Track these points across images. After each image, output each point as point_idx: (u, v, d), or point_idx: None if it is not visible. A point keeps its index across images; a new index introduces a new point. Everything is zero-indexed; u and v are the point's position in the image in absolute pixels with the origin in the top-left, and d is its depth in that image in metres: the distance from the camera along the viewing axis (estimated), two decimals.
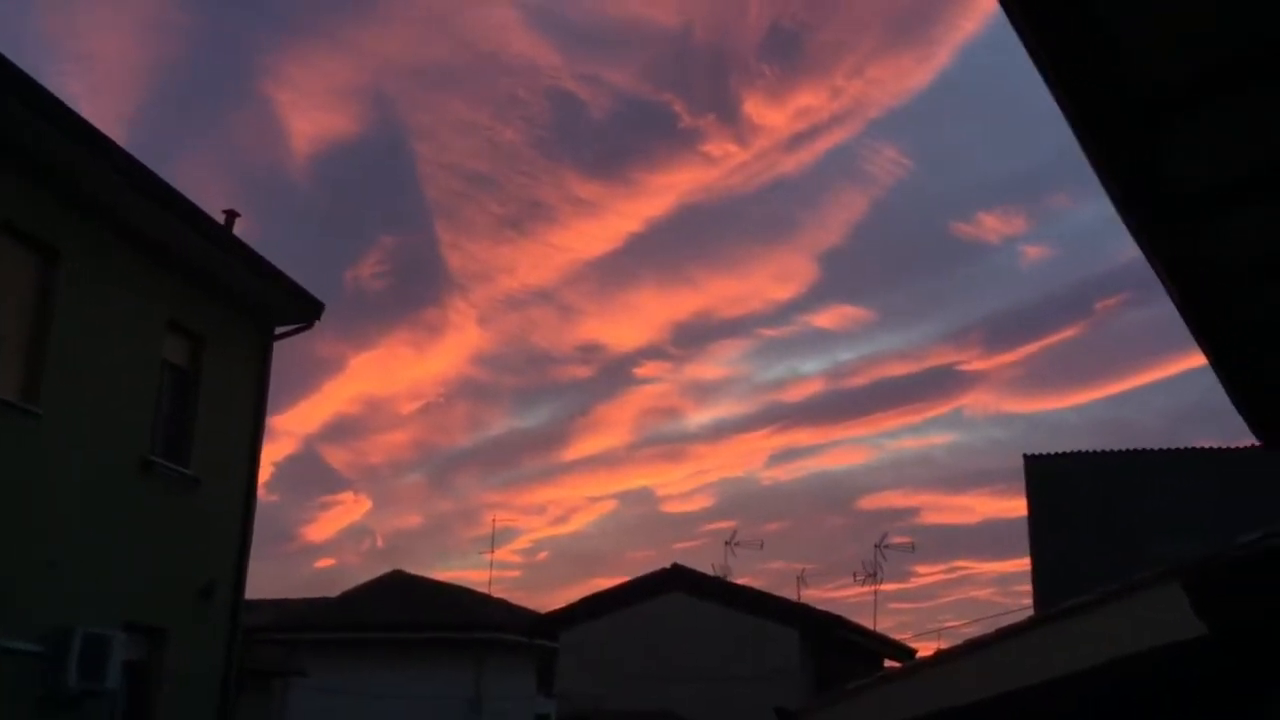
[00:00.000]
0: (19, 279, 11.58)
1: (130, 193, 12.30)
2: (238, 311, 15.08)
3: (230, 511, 14.83)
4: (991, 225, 46.09)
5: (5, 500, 11.10)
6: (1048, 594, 20.33)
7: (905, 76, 43.09)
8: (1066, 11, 2.76)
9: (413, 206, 46.18)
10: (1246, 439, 7.28)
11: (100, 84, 39.92)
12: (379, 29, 39.92)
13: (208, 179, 47.83)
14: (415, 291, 49.40)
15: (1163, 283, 3.94)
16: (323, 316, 15.87)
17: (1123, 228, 3.60)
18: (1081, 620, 7.73)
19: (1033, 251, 47.27)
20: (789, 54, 43.14)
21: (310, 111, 41.70)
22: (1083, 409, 46.85)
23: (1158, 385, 47.77)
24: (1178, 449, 22.86)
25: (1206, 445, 22.55)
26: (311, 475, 47.35)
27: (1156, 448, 22.99)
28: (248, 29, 41.01)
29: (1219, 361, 4.68)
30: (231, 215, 14.81)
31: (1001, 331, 48.27)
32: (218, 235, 13.97)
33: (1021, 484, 23.94)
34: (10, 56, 10.37)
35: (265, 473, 15.76)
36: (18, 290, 11.55)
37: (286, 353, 19.45)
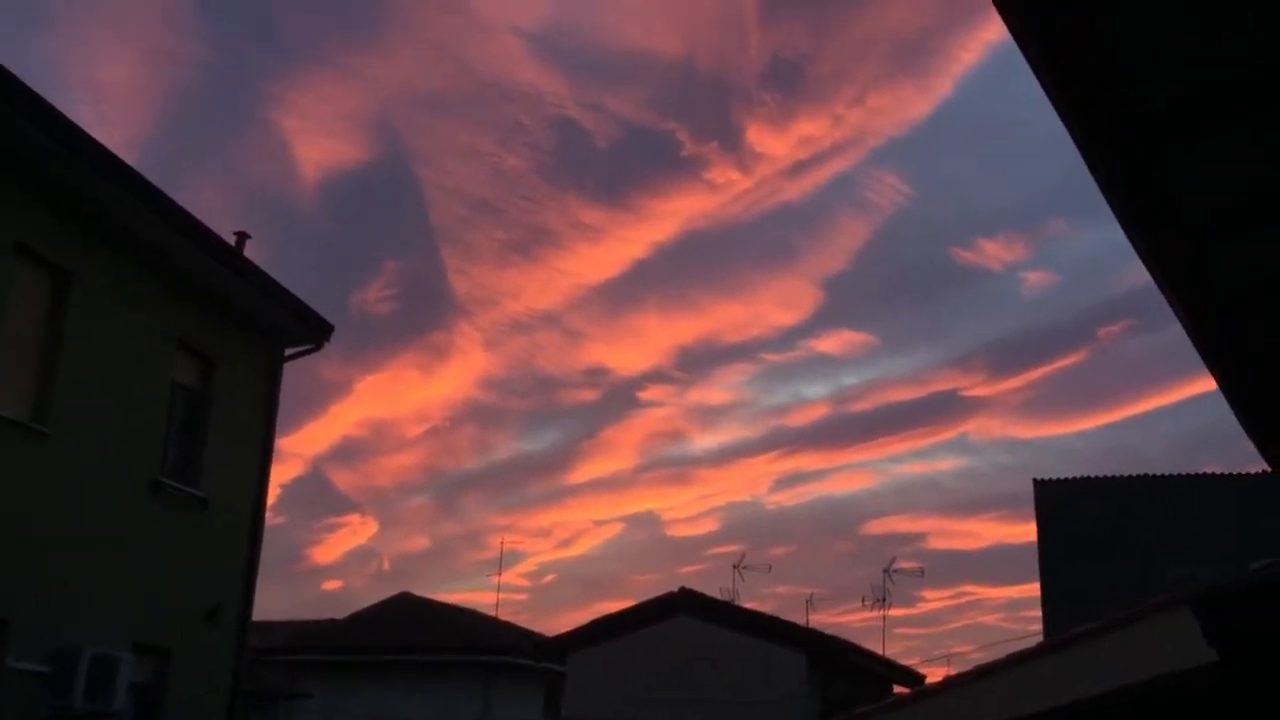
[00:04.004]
0: (31, 299, 11.62)
1: (142, 214, 12.36)
2: (248, 333, 15.12)
3: (238, 533, 14.82)
4: (992, 252, 46.04)
5: (13, 520, 11.10)
6: (1058, 619, 20.20)
7: (906, 105, 43.13)
8: (1074, 32, 2.77)
9: (418, 232, 46.26)
10: (1257, 464, 7.24)
11: (110, 111, 40.17)
12: (385, 57, 40.14)
13: (218, 202, 47.92)
14: (421, 316, 49.47)
15: (1170, 305, 3.94)
16: (331, 339, 15.91)
17: (1125, 254, 3.59)
18: (1091, 646, 7.68)
19: (1034, 278, 47.14)
20: (790, 83, 43.27)
21: (317, 138, 41.87)
22: (1089, 435, 46.64)
23: (1164, 411, 47.54)
24: (1188, 474, 22.75)
25: (1216, 471, 22.47)
26: (318, 497, 47.32)
27: (1165, 473, 22.89)
28: (255, 57, 41.27)
29: (1228, 385, 4.66)
30: (242, 237, 14.86)
31: (1005, 357, 48.13)
32: (228, 256, 14.01)
33: (1030, 509, 23.83)
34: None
35: (273, 494, 15.73)
36: (30, 311, 11.59)
37: (294, 376, 19.46)
